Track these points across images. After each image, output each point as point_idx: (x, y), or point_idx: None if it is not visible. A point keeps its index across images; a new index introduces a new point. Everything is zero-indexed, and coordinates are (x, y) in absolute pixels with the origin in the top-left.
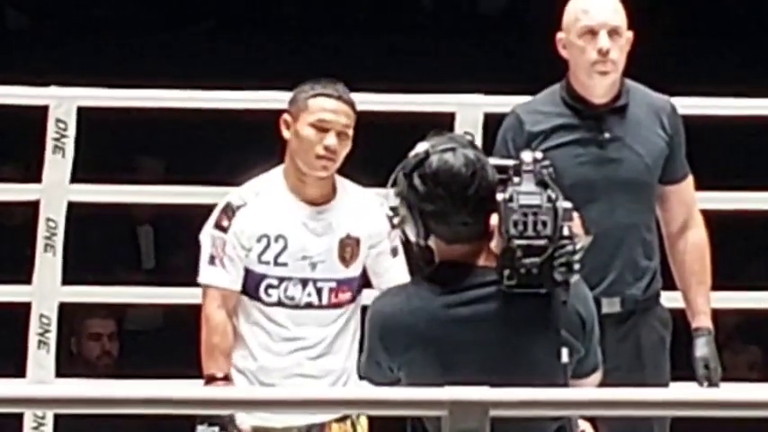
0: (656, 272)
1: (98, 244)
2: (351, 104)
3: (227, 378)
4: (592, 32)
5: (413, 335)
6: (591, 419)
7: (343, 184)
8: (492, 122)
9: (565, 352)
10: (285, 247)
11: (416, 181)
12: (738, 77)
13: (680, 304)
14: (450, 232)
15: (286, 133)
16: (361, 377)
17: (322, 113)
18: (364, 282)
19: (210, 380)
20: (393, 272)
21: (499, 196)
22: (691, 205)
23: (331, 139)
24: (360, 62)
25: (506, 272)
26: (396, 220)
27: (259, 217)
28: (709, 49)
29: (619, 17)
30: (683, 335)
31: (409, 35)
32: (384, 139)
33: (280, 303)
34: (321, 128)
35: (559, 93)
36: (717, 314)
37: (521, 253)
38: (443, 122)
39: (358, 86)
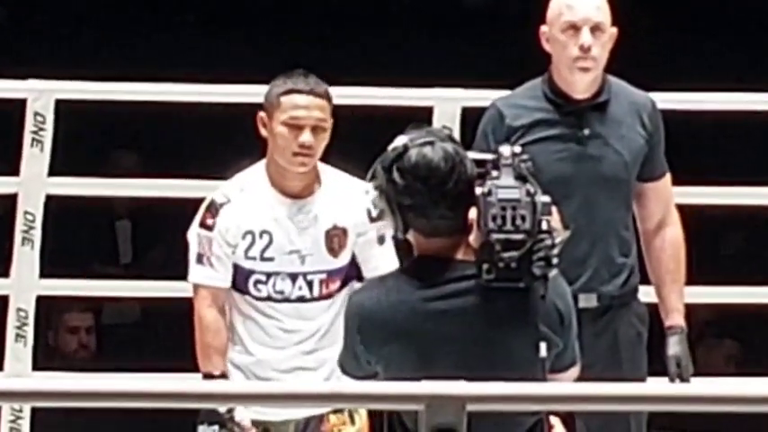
0: (634, 268)
1: (76, 238)
2: (324, 96)
3: (223, 375)
4: (574, 28)
5: (391, 328)
6: (568, 414)
7: (327, 172)
8: (470, 117)
9: (543, 346)
10: (270, 242)
11: (395, 174)
12: (718, 72)
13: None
14: (429, 226)
15: (263, 131)
16: (341, 371)
17: (294, 111)
18: (356, 270)
19: (207, 377)
20: (380, 259)
21: (478, 190)
22: (668, 203)
23: (306, 136)
24: (338, 56)
25: (485, 266)
26: (374, 213)
27: (243, 213)
28: (688, 44)
29: (602, 14)
30: (660, 330)
31: (386, 29)
32: (362, 133)
33: (269, 298)
34: (295, 125)
35: (541, 87)
36: (690, 309)
37: (499, 247)
38: (421, 116)
39: (337, 80)
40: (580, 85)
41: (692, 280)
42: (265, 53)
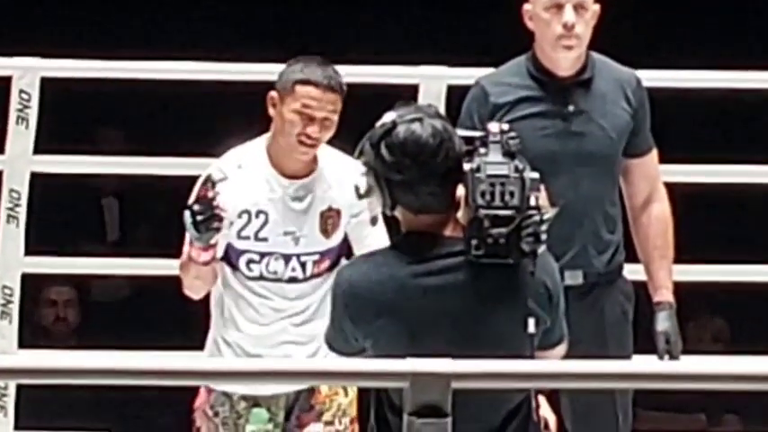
0: (619, 245)
1: (63, 216)
2: (338, 91)
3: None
4: (558, 6)
5: (379, 304)
6: (552, 391)
7: (324, 152)
8: (455, 94)
9: (531, 322)
10: (266, 222)
11: (384, 151)
12: (700, 50)
13: (643, 277)
14: (418, 202)
15: (272, 110)
16: (328, 347)
17: (308, 101)
18: (346, 248)
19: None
20: (372, 239)
21: (466, 166)
22: (654, 179)
23: (314, 128)
24: (321, 33)
25: (474, 242)
26: (362, 190)
27: (240, 192)
28: (670, 21)
29: None
30: (646, 308)
31: (373, 5)
32: (348, 111)
33: (262, 277)
34: (305, 115)
35: (525, 64)
36: (681, 286)
37: (488, 223)
38: (406, 94)
39: (323, 57)
40: (564, 63)
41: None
42: (249, 31)
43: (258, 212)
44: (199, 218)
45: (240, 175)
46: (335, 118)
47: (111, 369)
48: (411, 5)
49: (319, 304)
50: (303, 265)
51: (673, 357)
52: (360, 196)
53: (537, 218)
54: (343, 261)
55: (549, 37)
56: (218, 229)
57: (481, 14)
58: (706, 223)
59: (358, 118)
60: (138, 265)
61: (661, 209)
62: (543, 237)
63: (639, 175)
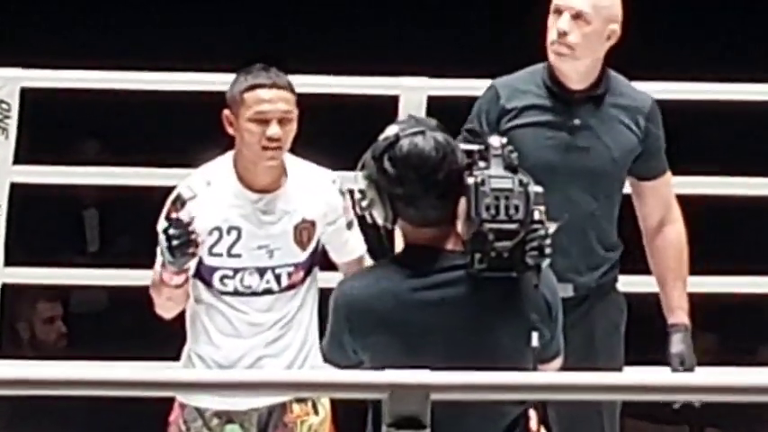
0: (615, 263)
1: (43, 227)
2: (287, 88)
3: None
4: (558, 12)
5: (380, 317)
6: (539, 402)
7: (293, 164)
8: (435, 106)
9: (535, 336)
10: (239, 238)
11: (386, 164)
12: (700, 63)
13: (637, 289)
14: (420, 216)
15: (230, 129)
16: (324, 359)
17: (259, 105)
18: (318, 257)
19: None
20: (352, 243)
21: (470, 180)
22: (668, 202)
23: (273, 129)
24: (305, 44)
25: (477, 255)
26: (363, 203)
27: (209, 209)
28: (670, 35)
29: (588, 4)
30: (640, 321)
31: (353, 16)
32: (329, 122)
33: (236, 293)
34: (261, 119)
35: (540, 73)
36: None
37: (492, 237)
38: (387, 106)
39: (300, 68)
40: (562, 70)
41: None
42: (231, 41)
43: (230, 229)
44: (174, 242)
45: (209, 192)
46: (293, 116)
47: (91, 380)
48: (390, 17)
49: (293, 316)
50: (278, 277)
51: None
52: (361, 209)
53: (542, 232)
54: (316, 270)
55: (548, 42)
56: (193, 254)
57: (466, 26)
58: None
59: (339, 128)
60: (119, 276)
61: (675, 231)
62: (548, 251)
63: (652, 198)
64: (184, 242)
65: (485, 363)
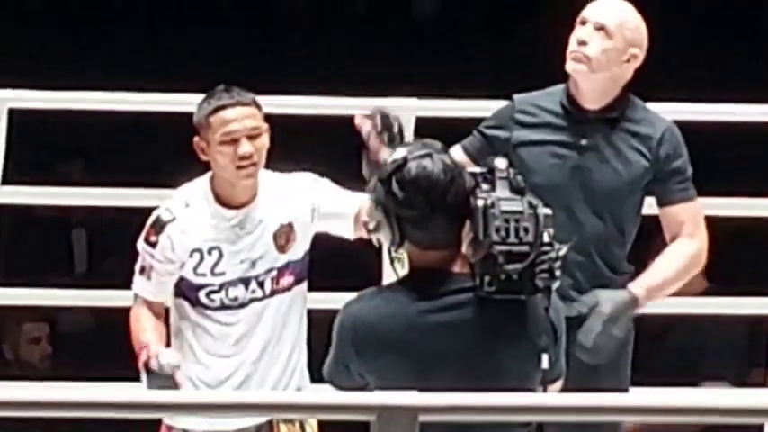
0: (620, 284)
1: (31, 247)
2: (251, 104)
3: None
4: (583, 23)
5: (389, 340)
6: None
7: (263, 176)
8: (423, 126)
9: (545, 358)
10: (221, 257)
11: (395, 187)
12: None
13: (644, 310)
14: (428, 238)
15: (203, 156)
16: (328, 381)
17: (225, 126)
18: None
19: (143, 348)
20: (346, 208)
21: (479, 202)
22: (683, 227)
23: (244, 147)
24: (293, 65)
25: (486, 278)
26: (371, 226)
27: (188, 231)
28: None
29: (613, 20)
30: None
31: (342, 38)
32: (318, 143)
33: (222, 306)
34: (230, 140)
35: (560, 92)
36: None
37: (502, 259)
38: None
39: (290, 89)
40: (579, 85)
41: None
42: (217, 62)
43: (210, 249)
44: (154, 386)
45: (188, 214)
46: (262, 131)
47: (77, 402)
48: (380, 37)
49: (281, 328)
50: (261, 283)
51: (596, 335)
52: (368, 232)
53: (552, 254)
54: (304, 286)
55: (567, 52)
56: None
57: (450, 48)
58: None
59: (327, 150)
60: (106, 297)
61: (681, 245)
62: (558, 273)
63: (668, 222)
64: (165, 385)
65: (493, 385)
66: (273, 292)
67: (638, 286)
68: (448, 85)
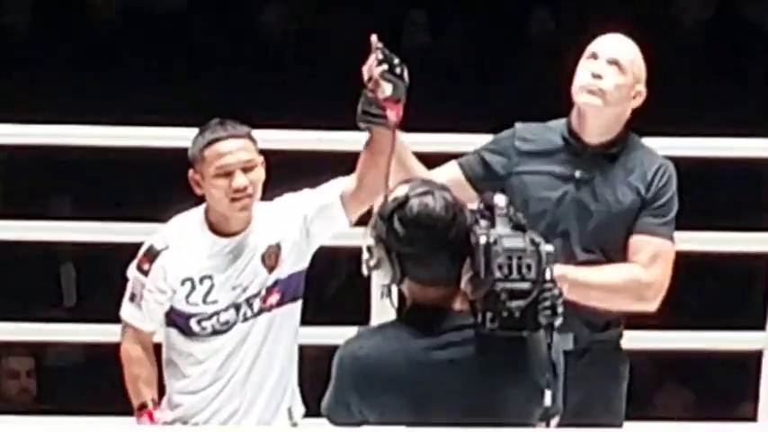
0: (618, 320)
1: (19, 282)
2: (245, 136)
3: (154, 401)
4: (594, 56)
5: (390, 378)
6: None
7: (255, 205)
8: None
9: (548, 394)
10: (213, 286)
11: (396, 224)
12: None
13: (642, 345)
14: (429, 275)
15: (198, 190)
16: (326, 417)
17: (220, 160)
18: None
19: (141, 408)
20: (331, 197)
21: (482, 239)
22: (644, 255)
23: (239, 180)
24: (281, 97)
25: (489, 315)
26: (371, 263)
27: (181, 260)
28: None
29: (626, 56)
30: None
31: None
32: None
33: (214, 332)
34: (225, 173)
35: (563, 123)
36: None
37: (505, 296)
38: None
39: (288, 124)
40: (587, 118)
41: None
42: (206, 95)
43: (202, 278)
44: None
45: (181, 244)
46: (256, 163)
47: None
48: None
49: (270, 352)
50: (251, 305)
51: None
52: (368, 269)
53: (555, 291)
54: (296, 308)
55: (574, 87)
56: None
57: (437, 81)
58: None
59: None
60: (95, 331)
61: (625, 266)
62: (560, 309)
63: (630, 251)
64: None
65: (494, 421)
66: (260, 311)
67: (559, 268)
68: (434, 118)
